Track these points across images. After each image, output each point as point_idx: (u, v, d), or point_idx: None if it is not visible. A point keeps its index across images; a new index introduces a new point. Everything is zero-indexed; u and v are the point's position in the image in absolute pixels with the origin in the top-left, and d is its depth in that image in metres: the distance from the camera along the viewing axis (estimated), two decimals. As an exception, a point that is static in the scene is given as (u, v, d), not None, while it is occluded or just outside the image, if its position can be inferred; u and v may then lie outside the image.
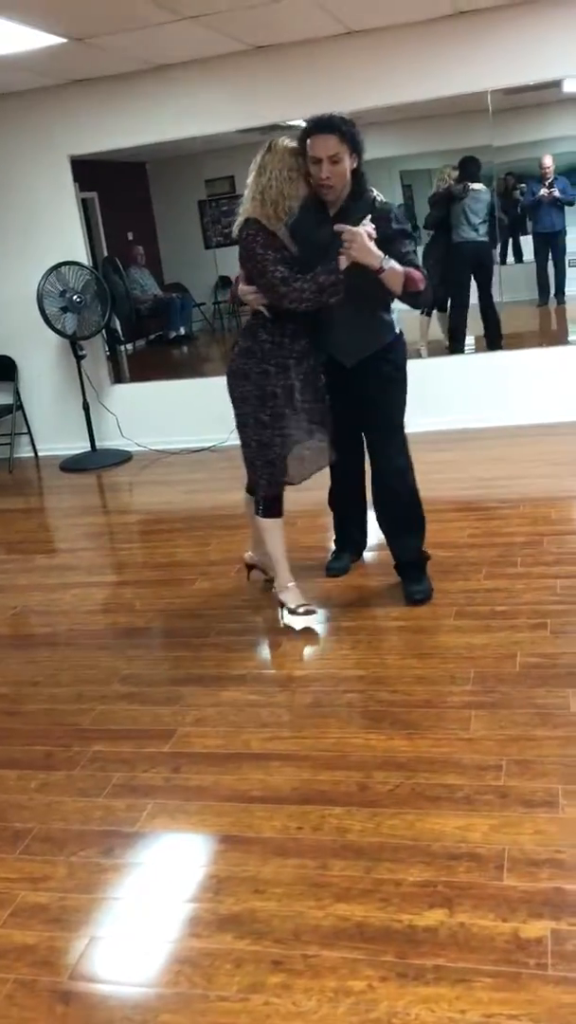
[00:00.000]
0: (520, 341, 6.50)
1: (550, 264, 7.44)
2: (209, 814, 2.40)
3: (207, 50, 5.49)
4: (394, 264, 3.02)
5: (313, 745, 2.65)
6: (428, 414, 5.69)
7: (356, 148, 3.08)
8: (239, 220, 3.19)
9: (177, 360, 8.90)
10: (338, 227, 3.01)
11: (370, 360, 3.33)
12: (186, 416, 6.42)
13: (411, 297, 3.15)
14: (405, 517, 3.53)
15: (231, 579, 4.00)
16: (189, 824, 2.38)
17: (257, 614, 3.62)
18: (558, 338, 7.27)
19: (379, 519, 3.61)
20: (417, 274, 3.08)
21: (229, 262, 8.99)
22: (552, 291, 7.59)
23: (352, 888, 2.05)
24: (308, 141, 3.06)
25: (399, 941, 1.89)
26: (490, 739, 2.56)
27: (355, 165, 3.11)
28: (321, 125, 3.06)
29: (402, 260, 3.08)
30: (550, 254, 7.46)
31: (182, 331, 8.82)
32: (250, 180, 3.15)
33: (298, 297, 3.09)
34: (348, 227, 2.99)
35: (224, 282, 9.17)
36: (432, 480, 4.86)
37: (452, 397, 5.77)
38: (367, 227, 3.00)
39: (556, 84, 5.81)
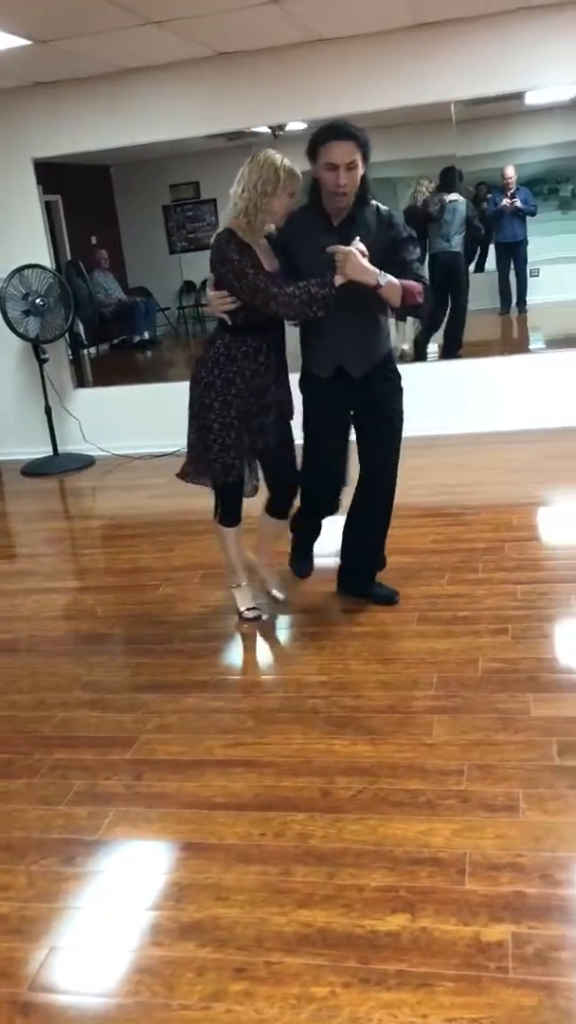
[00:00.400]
0: (482, 349, 6.57)
1: (512, 273, 7.54)
2: (171, 821, 2.38)
3: (173, 55, 5.48)
4: (391, 279, 2.97)
5: (276, 751, 2.65)
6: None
7: (367, 155, 3.02)
8: (218, 232, 3.16)
9: (141, 364, 8.86)
10: (330, 248, 2.96)
11: (374, 368, 3.28)
12: (149, 421, 6.39)
13: (410, 310, 3.12)
14: (383, 521, 3.50)
15: (194, 585, 3.98)
16: (151, 832, 2.36)
17: (221, 620, 3.61)
18: (520, 347, 7.36)
19: (357, 527, 3.54)
20: (416, 286, 3.03)
21: (194, 267, 8.98)
22: (514, 300, 7.69)
23: (315, 894, 2.05)
24: (322, 147, 2.98)
25: (361, 947, 1.89)
26: (452, 744, 2.58)
27: (363, 172, 3.05)
28: (339, 132, 2.97)
29: (407, 266, 3.07)
30: (512, 264, 7.56)
31: (146, 335, 8.79)
32: (231, 190, 3.11)
33: (287, 302, 3.02)
34: (340, 247, 2.95)
35: (188, 287, 9.16)
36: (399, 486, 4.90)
37: (416, 404, 5.80)
38: (358, 245, 2.96)
39: (518, 96, 5.89)
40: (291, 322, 3.21)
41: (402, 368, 3.39)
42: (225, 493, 3.42)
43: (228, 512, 3.47)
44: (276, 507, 3.55)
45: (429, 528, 4.31)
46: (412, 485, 4.97)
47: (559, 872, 2.04)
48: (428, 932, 1.91)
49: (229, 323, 3.17)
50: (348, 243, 2.99)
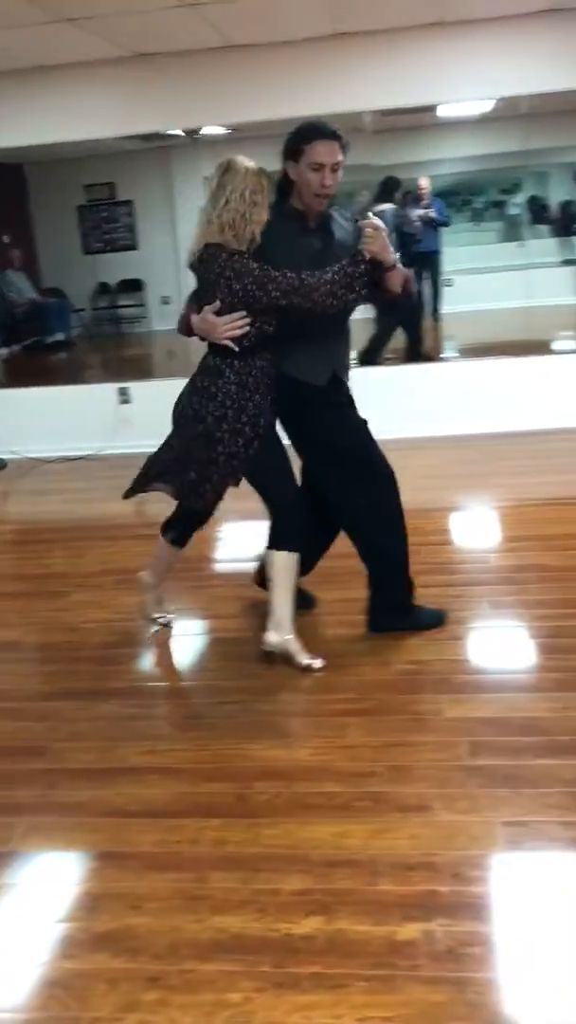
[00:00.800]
0: (397, 357, 6.68)
1: (426, 283, 7.68)
2: (84, 830, 2.34)
3: (88, 54, 5.41)
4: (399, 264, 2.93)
5: (191, 757, 2.63)
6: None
7: (345, 157, 2.92)
8: (193, 250, 2.90)
9: (54, 366, 8.72)
10: (363, 222, 2.85)
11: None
12: (64, 423, 6.28)
13: (401, 298, 3.05)
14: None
15: (108, 591, 3.93)
16: (64, 841, 2.31)
17: (135, 626, 3.57)
18: (433, 355, 7.50)
19: (325, 536, 3.39)
20: (408, 274, 2.99)
21: (109, 268, 8.89)
22: (429, 309, 7.84)
23: (230, 900, 2.04)
24: (308, 147, 2.84)
25: (277, 950, 1.89)
26: (367, 746, 2.60)
27: None
28: (325, 131, 2.86)
29: None
30: (426, 273, 7.70)
31: (60, 336, 8.64)
32: (205, 203, 2.85)
33: (329, 290, 2.78)
34: (373, 220, 2.84)
35: (103, 288, 9.04)
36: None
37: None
38: (376, 221, 2.85)
39: (431, 109, 6.01)
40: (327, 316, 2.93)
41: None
42: (197, 517, 3.27)
43: (186, 533, 3.32)
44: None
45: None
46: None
47: (470, 870, 2.07)
48: (343, 933, 1.92)
49: (236, 349, 2.88)
50: (329, 245, 2.92)
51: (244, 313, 2.82)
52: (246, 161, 2.86)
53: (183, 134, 6.44)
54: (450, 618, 3.34)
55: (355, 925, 1.94)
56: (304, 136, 2.87)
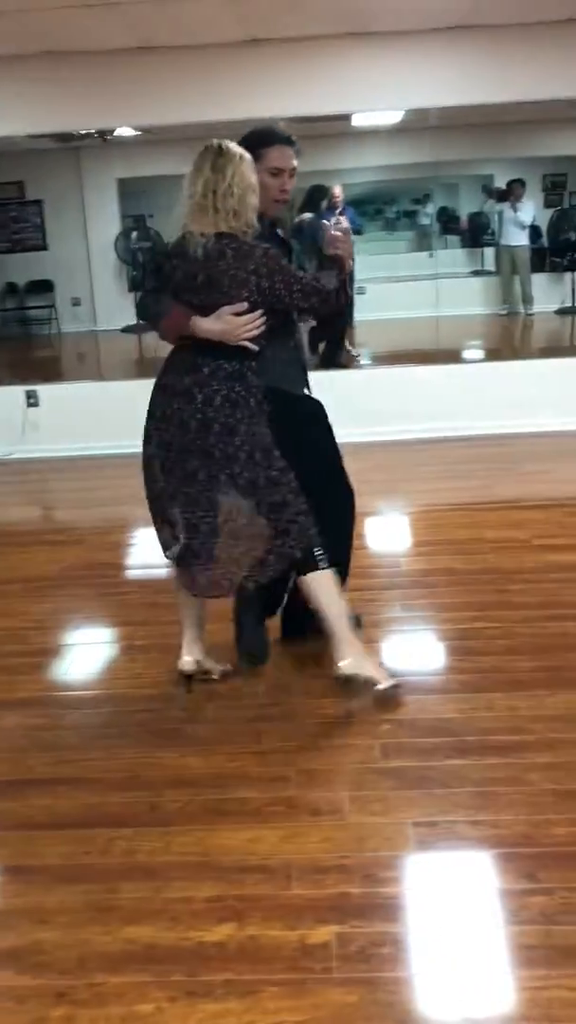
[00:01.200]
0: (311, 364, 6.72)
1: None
2: (-10, 845, 2.28)
3: (-4, 49, 5.29)
4: None
5: (102, 767, 2.58)
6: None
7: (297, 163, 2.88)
8: (203, 241, 2.59)
9: (-39, 368, 8.49)
10: (333, 227, 2.80)
11: None
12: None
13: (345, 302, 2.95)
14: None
15: (14, 599, 3.83)
16: (-33, 857, 2.25)
17: (44, 635, 3.49)
18: (348, 362, 7.57)
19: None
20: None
21: (18, 268, 8.71)
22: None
23: (141, 910, 2.01)
24: (266, 151, 2.75)
25: (189, 959, 1.87)
26: (279, 751, 2.60)
27: None
28: (283, 137, 2.82)
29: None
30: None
31: (-34, 338, 8.42)
32: (193, 189, 2.61)
33: (337, 293, 2.69)
34: (343, 221, 2.79)
35: (11, 288, 8.85)
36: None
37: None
38: (346, 224, 2.82)
39: (345, 118, 6.09)
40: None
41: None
42: None
43: None
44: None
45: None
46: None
47: (382, 871, 2.09)
48: (255, 939, 1.91)
49: (256, 349, 2.67)
50: (281, 249, 2.83)
51: (262, 312, 2.64)
52: (234, 145, 2.68)
53: (95, 135, 6.36)
54: (364, 622, 3.37)
55: (267, 930, 1.93)
56: (263, 140, 2.81)
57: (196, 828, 2.29)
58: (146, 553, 4.36)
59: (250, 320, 2.63)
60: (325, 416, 3.09)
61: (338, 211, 7.46)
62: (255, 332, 2.64)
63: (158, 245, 2.85)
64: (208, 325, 2.62)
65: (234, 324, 2.62)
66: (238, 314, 2.62)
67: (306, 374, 3.11)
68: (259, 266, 2.61)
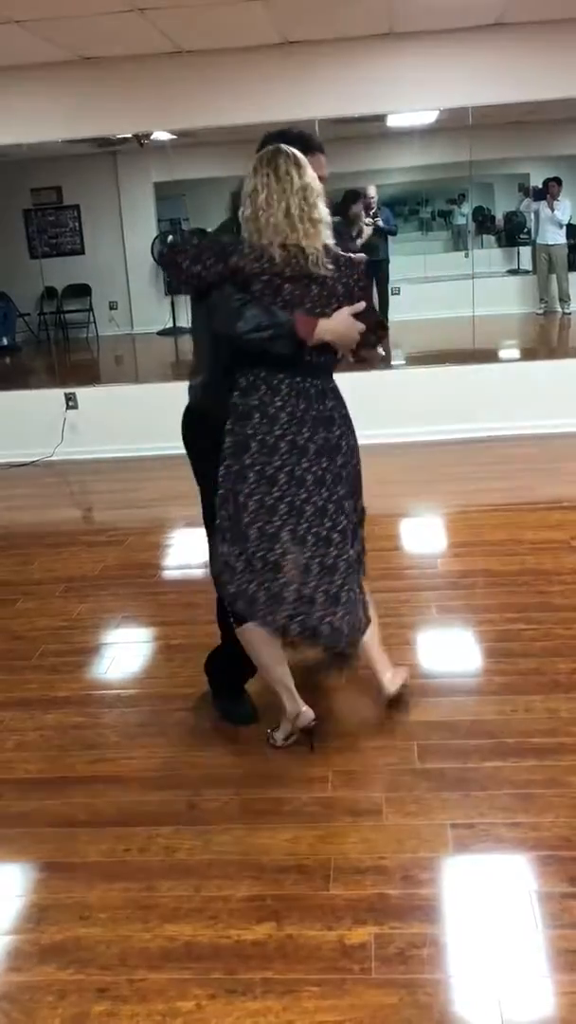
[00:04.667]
0: (343, 365, 6.71)
1: (374, 292, 7.74)
2: (31, 841, 2.31)
3: (35, 56, 5.35)
4: None
5: (141, 766, 2.61)
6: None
7: None
8: (316, 248, 2.40)
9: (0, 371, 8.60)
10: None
11: None
12: (10, 429, 6.19)
13: None
14: None
15: (56, 599, 3.88)
16: (10, 853, 2.28)
17: (84, 634, 3.53)
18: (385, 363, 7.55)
19: None
20: None
21: (56, 272, 8.81)
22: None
23: (180, 908, 2.03)
24: (312, 159, 2.50)
25: (228, 957, 1.88)
26: (317, 752, 2.60)
27: None
28: (319, 144, 2.62)
29: None
30: (375, 282, 7.76)
31: (5, 341, 8.53)
32: (311, 200, 2.40)
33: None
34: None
35: (50, 293, 8.94)
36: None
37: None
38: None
39: (380, 118, 6.07)
40: None
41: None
42: None
43: None
44: None
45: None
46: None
47: (420, 872, 2.09)
48: (293, 939, 1.92)
49: (366, 358, 2.65)
50: None
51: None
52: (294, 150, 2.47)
53: (131, 139, 6.40)
54: (399, 623, 3.37)
55: (306, 930, 1.94)
56: (308, 147, 2.56)
57: (234, 827, 2.30)
58: (184, 554, 4.39)
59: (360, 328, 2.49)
60: None
61: (372, 211, 7.46)
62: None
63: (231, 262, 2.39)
64: (333, 326, 2.44)
65: (357, 326, 2.48)
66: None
67: None
68: (360, 279, 2.54)
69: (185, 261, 2.43)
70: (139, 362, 9.14)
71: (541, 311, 8.99)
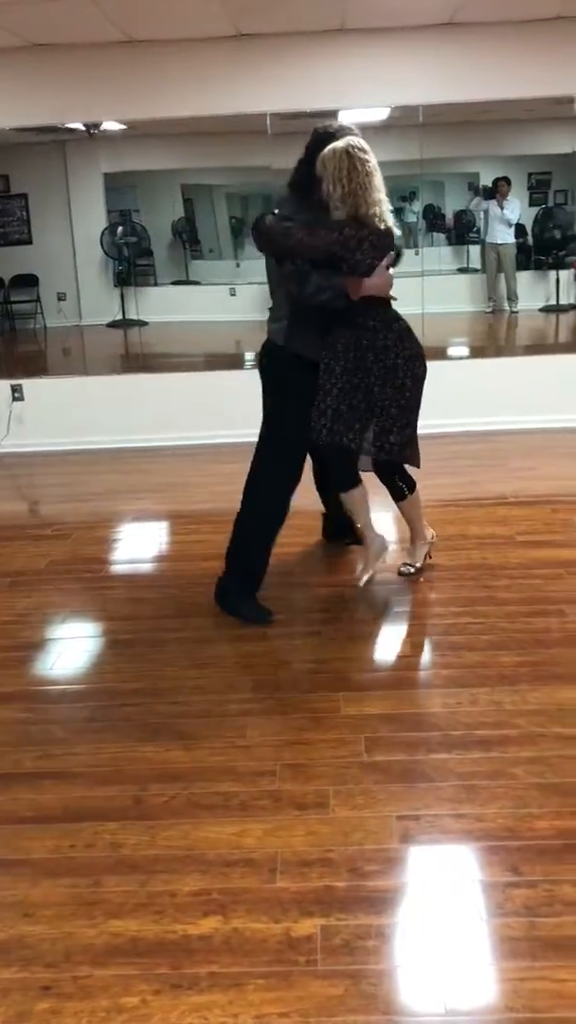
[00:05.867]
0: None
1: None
2: (-26, 839, 2.27)
3: (-19, 41, 5.26)
4: None
5: (87, 761, 2.58)
6: (219, 426, 5.76)
7: None
8: (380, 225, 3.19)
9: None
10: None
11: None
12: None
13: None
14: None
15: (1, 593, 3.82)
16: (-48, 851, 2.24)
17: (29, 630, 3.49)
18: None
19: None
20: None
21: (1, 262, 8.67)
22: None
23: (126, 903, 2.02)
24: None
25: (173, 952, 1.88)
26: (265, 745, 2.61)
27: None
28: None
29: None
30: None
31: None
32: (374, 181, 3.16)
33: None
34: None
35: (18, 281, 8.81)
36: (218, 492, 4.93)
37: (225, 410, 5.89)
38: None
39: (332, 114, 6.07)
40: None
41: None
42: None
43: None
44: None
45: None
46: (230, 491, 5.00)
47: (366, 864, 2.10)
48: (240, 932, 1.92)
49: (396, 299, 3.35)
50: None
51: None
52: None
53: (82, 128, 6.33)
54: (349, 618, 3.39)
55: (252, 923, 1.94)
56: (346, 134, 3.22)
57: (181, 822, 2.29)
58: (131, 549, 4.36)
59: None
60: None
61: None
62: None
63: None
64: (374, 281, 3.20)
65: (390, 277, 3.27)
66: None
67: None
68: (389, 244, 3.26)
69: (299, 235, 3.10)
70: (87, 354, 9.04)
71: (490, 310, 9.09)
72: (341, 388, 3.30)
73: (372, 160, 3.16)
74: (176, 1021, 1.72)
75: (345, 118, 6.17)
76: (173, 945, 1.90)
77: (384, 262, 3.21)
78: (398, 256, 3.38)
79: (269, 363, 3.39)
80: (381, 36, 5.39)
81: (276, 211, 3.28)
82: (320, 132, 3.27)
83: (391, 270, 3.29)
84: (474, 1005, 1.74)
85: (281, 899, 2.00)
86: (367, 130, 3.45)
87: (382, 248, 3.20)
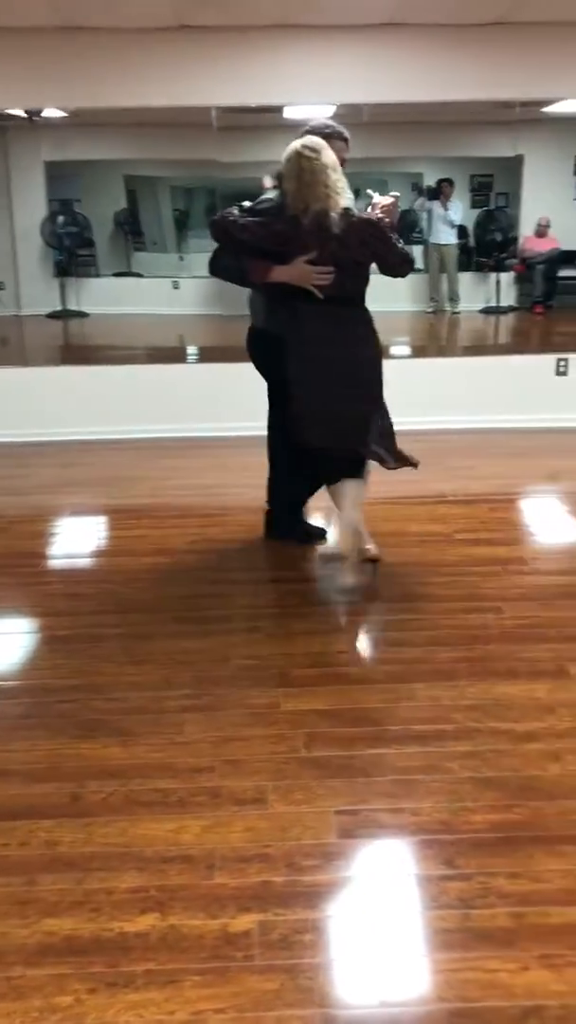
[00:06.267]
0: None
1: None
2: None
3: None
4: None
5: (22, 758, 2.55)
6: (161, 420, 5.71)
7: None
8: (339, 212, 3.34)
9: None
10: (386, 198, 3.67)
11: None
12: None
13: None
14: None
15: None
16: None
17: (-36, 623, 3.42)
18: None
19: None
20: None
21: None
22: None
23: (61, 901, 1.99)
24: (331, 143, 3.47)
25: (110, 950, 1.86)
26: (204, 741, 2.60)
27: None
28: (340, 133, 3.62)
29: None
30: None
31: None
32: (333, 174, 3.35)
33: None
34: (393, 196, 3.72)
35: None
36: (159, 487, 4.90)
37: (179, 405, 5.85)
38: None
39: (276, 110, 6.07)
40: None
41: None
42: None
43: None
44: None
45: (188, 528, 4.32)
46: (171, 485, 4.98)
47: (304, 859, 2.11)
48: (177, 929, 1.91)
49: (322, 297, 3.38)
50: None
51: (332, 268, 3.34)
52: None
53: (23, 115, 6.22)
54: (288, 613, 3.39)
55: (189, 920, 1.94)
56: (329, 136, 3.50)
57: (118, 819, 2.27)
58: (69, 543, 4.31)
59: (326, 271, 3.34)
60: None
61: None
62: (324, 282, 3.35)
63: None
64: (286, 270, 3.35)
65: (310, 272, 3.34)
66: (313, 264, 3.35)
67: None
68: (360, 232, 3.38)
69: (234, 232, 3.37)
70: (27, 344, 8.89)
71: (431, 309, 9.19)
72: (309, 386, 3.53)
73: (323, 158, 3.31)
74: (112, 1019, 1.70)
75: (291, 114, 6.22)
76: (109, 943, 1.88)
77: (304, 257, 3.33)
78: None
79: (247, 340, 3.83)
80: (325, 33, 5.40)
81: (244, 204, 3.52)
82: (305, 131, 3.52)
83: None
84: (408, 996, 1.76)
85: (219, 895, 2.00)
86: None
87: (293, 240, 3.34)
